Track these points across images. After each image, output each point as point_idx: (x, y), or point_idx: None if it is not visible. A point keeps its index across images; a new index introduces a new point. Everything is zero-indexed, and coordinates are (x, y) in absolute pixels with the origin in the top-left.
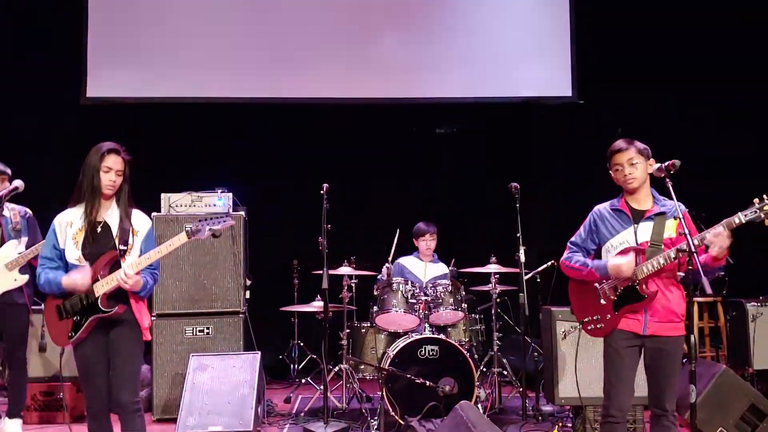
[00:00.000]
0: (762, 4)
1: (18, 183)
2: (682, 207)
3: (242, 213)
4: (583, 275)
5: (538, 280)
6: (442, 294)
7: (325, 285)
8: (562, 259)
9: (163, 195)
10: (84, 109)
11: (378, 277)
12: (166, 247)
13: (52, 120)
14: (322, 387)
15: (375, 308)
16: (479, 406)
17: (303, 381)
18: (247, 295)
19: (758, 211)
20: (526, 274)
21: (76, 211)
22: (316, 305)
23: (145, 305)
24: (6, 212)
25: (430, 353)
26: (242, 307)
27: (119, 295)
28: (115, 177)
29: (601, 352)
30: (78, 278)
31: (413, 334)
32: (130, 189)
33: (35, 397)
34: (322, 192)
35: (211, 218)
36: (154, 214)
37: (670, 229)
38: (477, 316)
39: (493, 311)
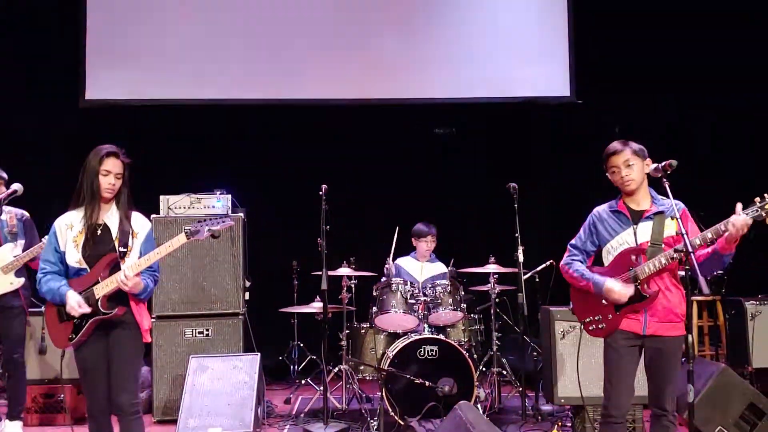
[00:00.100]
0: (762, 4)
1: (17, 186)
2: (681, 205)
3: (241, 214)
4: (580, 285)
5: (537, 279)
6: (441, 294)
7: (324, 286)
8: (561, 263)
9: (161, 197)
10: (83, 110)
11: (385, 270)
12: (165, 249)
13: (51, 121)
14: (321, 388)
15: (374, 309)
16: (479, 406)
17: (303, 382)
18: (247, 297)
19: (759, 209)
20: (524, 274)
21: (77, 214)
22: (316, 306)
23: (146, 307)
24: (3, 215)
25: (430, 353)
26: (242, 308)
27: (119, 297)
28: (114, 180)
29: (600, 352)
30: (78, 303)
31: (412, 335)
32: (130, 191)
33: (35, 400)
34: (320, 193)
35: (210, 219)
36: (152, 216)
37: (671, 227)
38: (476, 316)
39: (492, 311)
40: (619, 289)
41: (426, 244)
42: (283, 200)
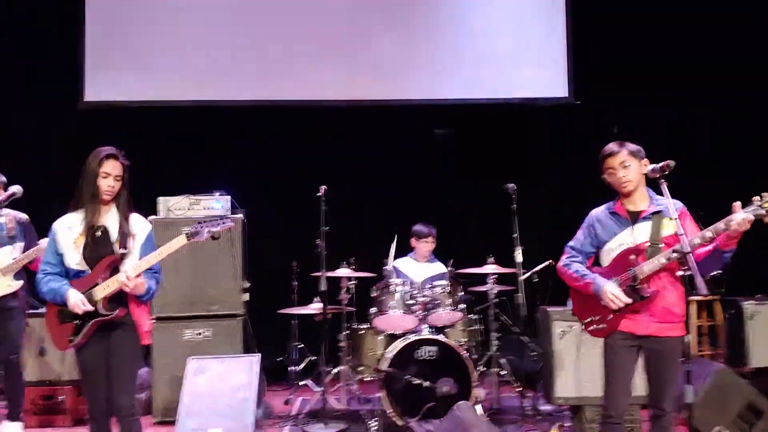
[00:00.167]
0: (762, 4)
1: (16, 189)
2: (680, 204)
3: (241, 215)
4: (579, 285)
5: (536, 280)
6: (440, 295)
7: (323, 287)
8: (559, 264)
9: (160, 198)
10: (83, 111)
11: (383, 271)
12: (165, 250)
13: (51, 121)
14: (321, 389)
15: (373, 310)
16: (478, 406)
17: (302, 383)
18: (246, 298)
19: (759, 208)
20: (523, 274)
21: (76, 216)
22: (315, 307)
23: (146, 309)
24: (2, 218)
25: (429, 354)
26: (241, 309)
27: (119, 298)
28: (113, 182)
29: (598, 352)
30: (80, 300)
31: (411, 335)
32: (129, 193)
33: (35, 401)
34: (319, 194)
35: (210, 220)
36: (152, 217)
37: (669, 227)
38: (475, 317)
39: (491, 311)
40: (616, 294)
41: (426, 245)
42: (283, 201)
